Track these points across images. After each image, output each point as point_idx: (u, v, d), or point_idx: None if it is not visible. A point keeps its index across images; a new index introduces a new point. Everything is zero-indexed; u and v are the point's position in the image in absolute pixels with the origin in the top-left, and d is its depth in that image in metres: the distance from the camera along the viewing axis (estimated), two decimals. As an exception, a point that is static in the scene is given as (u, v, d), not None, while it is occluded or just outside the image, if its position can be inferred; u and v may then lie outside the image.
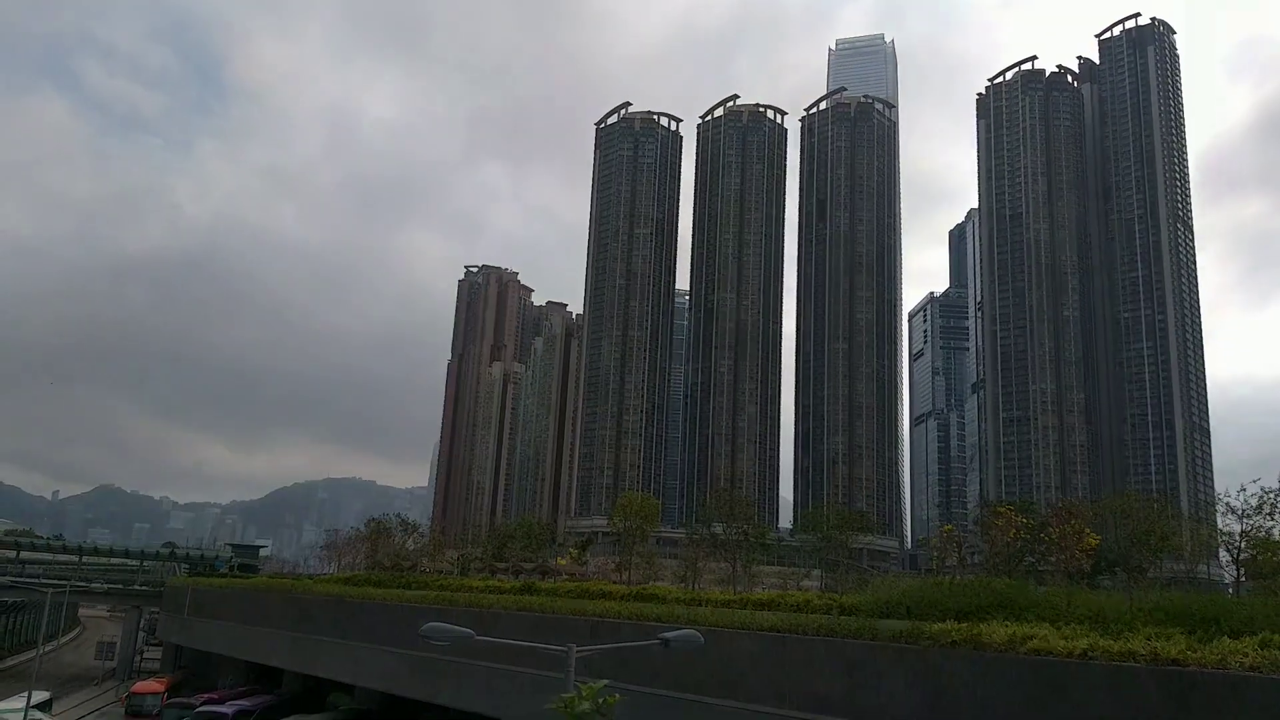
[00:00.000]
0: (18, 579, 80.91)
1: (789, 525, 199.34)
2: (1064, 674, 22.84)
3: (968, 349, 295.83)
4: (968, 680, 24.66)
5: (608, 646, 21.62)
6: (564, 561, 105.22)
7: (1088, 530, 55.63)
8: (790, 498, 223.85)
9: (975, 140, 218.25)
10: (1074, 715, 22.44)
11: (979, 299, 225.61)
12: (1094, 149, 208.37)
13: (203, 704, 56.46)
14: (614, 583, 68.37)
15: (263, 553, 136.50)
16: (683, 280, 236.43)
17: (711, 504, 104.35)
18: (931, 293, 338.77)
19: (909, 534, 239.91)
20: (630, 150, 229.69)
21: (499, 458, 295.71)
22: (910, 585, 37.48)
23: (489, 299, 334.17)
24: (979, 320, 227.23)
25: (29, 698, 44.28)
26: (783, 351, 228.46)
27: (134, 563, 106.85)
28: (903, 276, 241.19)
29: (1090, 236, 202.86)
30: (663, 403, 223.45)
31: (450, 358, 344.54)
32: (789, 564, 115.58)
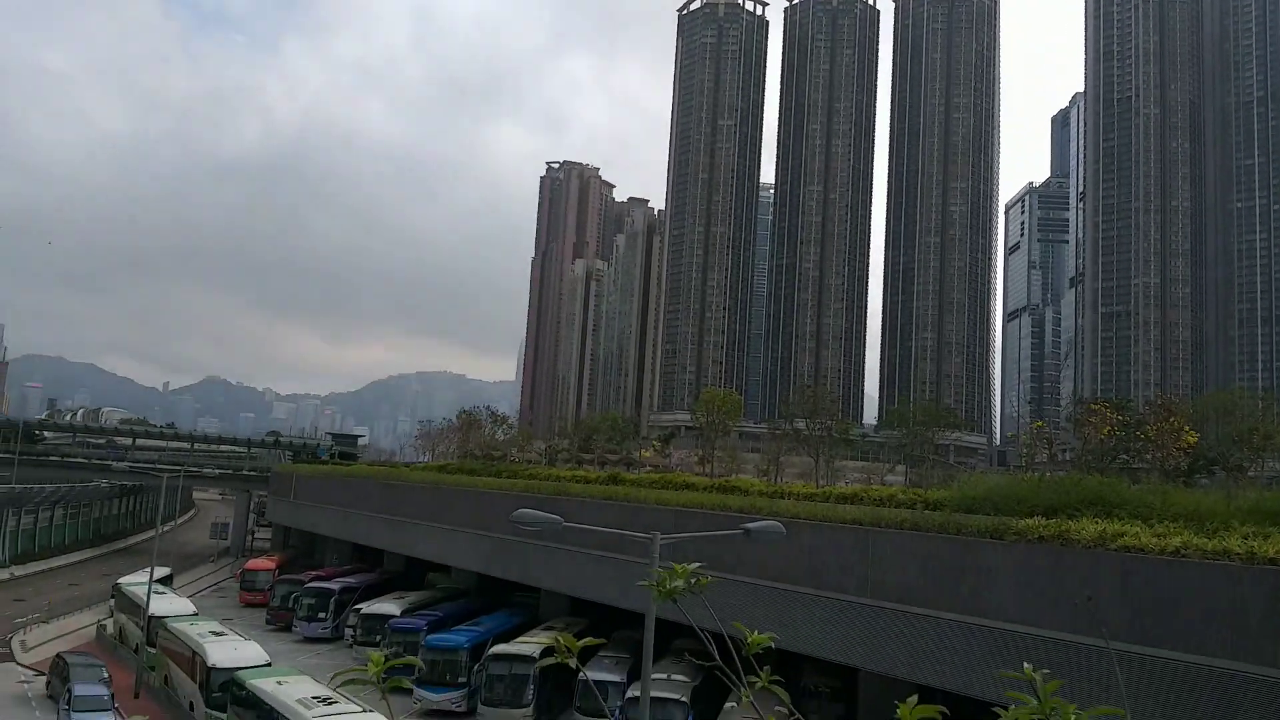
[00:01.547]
0: (136, 464, 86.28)
1: (874, 421, 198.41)
2: (1154, 570, 22.49)
3: (1067, 241, 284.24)
4: (1053, 576, 24.51)
5: (691, 535, 22.04)
6: (648, 454, 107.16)
7: (1187, 428, 54.06)
8: (875, 394, 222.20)
9: (1083, 19, 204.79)
10: (1163, 610, 22.18)
11: (1081, 189, 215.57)
12: (1213, 26, 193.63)
13: (311, 580, 59.99)
14: (697, 475, 69.46)
15: (360, 442, 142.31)
16: (768, 173, 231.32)
17: (794, 400, 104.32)
18: (1030, 183, 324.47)
19: (998, 431, 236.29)
20: (713, 37, 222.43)
21: (583, 353, 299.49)
22: (997, 481, 37.12)
23: (570, 195, 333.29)
24: (1080, 211, 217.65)
25: (151, 573, 47.59)
26: (871, 246, 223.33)
27: (241, 450, 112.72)
28: (1000, 167, 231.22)
29: (1204, 122, 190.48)
30: (746, 299, 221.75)
31: (534, 255, 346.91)
32: (873, 459, 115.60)
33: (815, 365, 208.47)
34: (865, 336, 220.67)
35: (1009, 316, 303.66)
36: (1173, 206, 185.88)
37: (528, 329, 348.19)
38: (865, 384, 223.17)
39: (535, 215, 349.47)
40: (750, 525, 18.79)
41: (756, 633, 2.79)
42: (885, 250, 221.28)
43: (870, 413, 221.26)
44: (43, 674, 44.22)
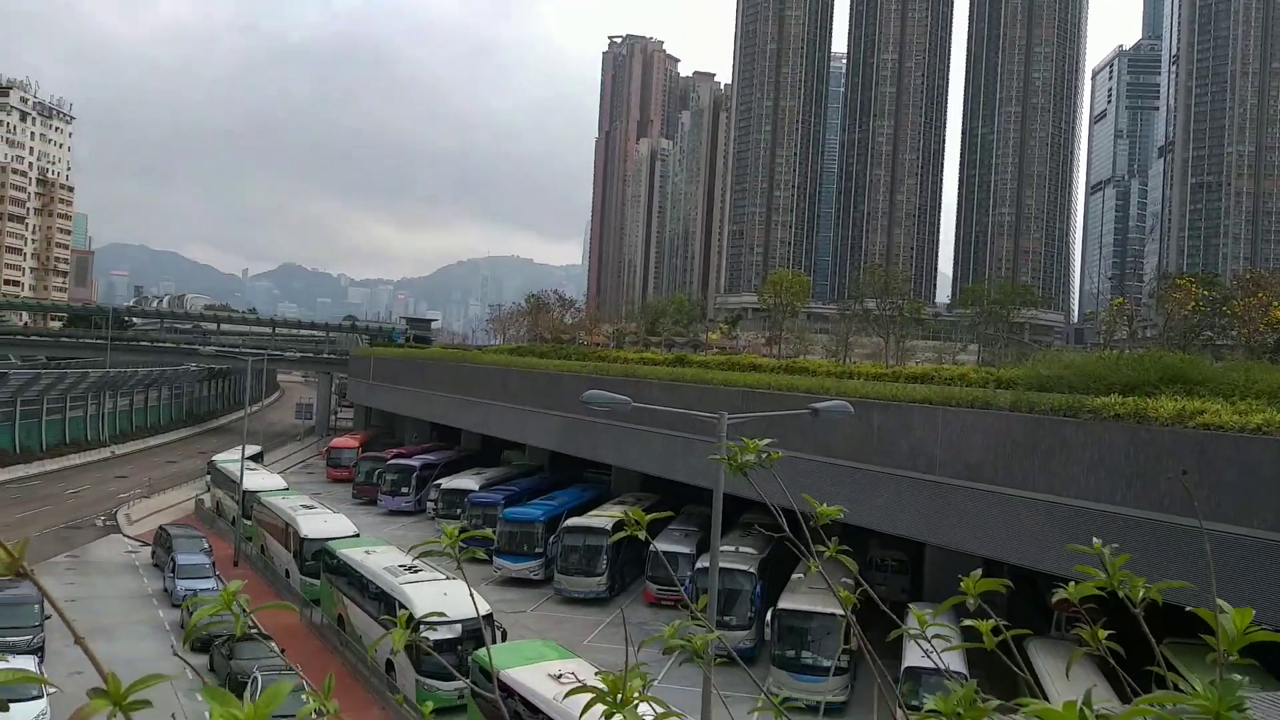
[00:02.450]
0: (222, 349, 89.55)
1: (946, 301, 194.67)
2: (1233, 448, 22.04)
3: (1157, 108, 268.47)
4: (1129, 453, 24.22)
5: (758, 415, 22.23)
6: (714, 336, 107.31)
7: (1275, 303, 51.88)
8: (949, 272, 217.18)
9: None
10: (1242, 488, 21.85)
11: (1174, 51, 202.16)
12: None
13: (393, 458, 62.44)
14: (764, 357, 69.47)
15: (433, 326, 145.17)
16: (839, 42, 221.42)
17: (865, 279, 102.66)
18: (1120, 46, 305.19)
19: (1076, 308, 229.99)
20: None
21: (648, 236, 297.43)
22: (1074, 359, 36.40)
23: (633, 72, 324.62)
24: (1172, 75, 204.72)
25: (243, 450, 49.97)
26: (947, 117, 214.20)
27: (320, 334, 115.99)
28: (1088, 28, 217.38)
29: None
30: (816, 176, 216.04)
31: (598, 135, 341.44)
32: (945, 339, 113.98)
33: (887, 244, 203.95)
34: (940, 213, 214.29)
35: (1092, 189, 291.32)
36: (1271, 69, 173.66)
37: (593, 212, 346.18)
38: (939, 262, 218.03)
39: (598, 94, 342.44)
40: (818, 405, 18.86)
41: (825, 505, 2.82)
42: (963, 121, 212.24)
43: (943, 292, 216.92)
44: (147, 545, 47.31)
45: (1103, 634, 2.66)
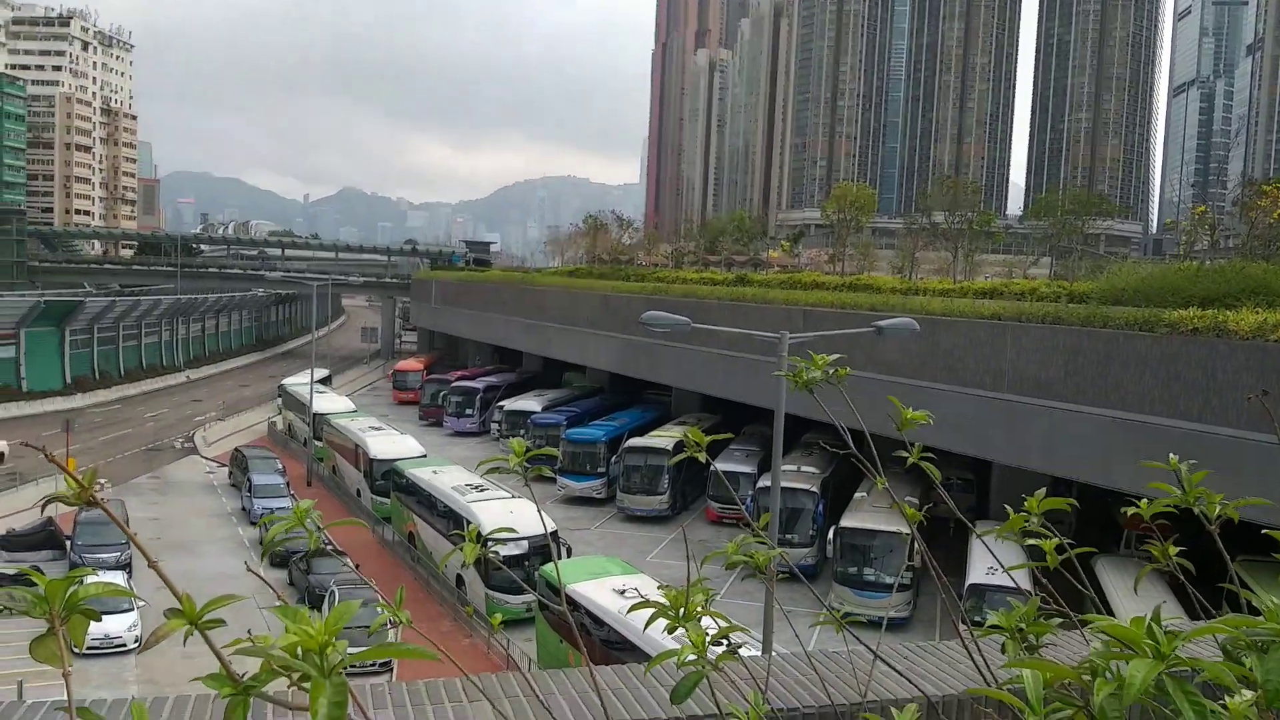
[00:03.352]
0: (287, 274, 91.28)
1: (1019, 212, 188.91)
2: (1319, 363, 21.25)
3: (1245, 3, 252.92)
4: (1206, 369, 23.50)
5: (820, 334, 21.99)
6: (776, 254, 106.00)
7: (1371, 210, 49.24)
8: (1022, 183, 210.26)
9: None
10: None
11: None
12: None
13: (457, 380, 63.56)
14: (827, 274, 68.51)
15: (492, 249, 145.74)
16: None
17: (933, 191, 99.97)
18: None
19: (1155, 218, 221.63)
20: None
21: (707, 151, 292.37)
22: (1150, 271, 35.22)
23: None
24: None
25: (312, 374, 51.27)
26: (1021, 18, 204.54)
27: (382, 258, 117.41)
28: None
29: None
30: (882, 85, 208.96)
31: (654, 47, 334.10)
32: (1016, 253, 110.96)
33: (956, 154, 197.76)
34: (1012, 121, 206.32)
35: (1174, 91, 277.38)
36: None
37: (650, 128, 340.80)
38: (1010, 173, 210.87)
39: (655, 1, 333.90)
40: (882, 323, 18.58)
41: (911, 410, 2.76)
42: (1038, 22, 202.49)
43: (1015, 204, 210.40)
44: (224, 465, 49.20)
45: (1174, 550, 2.61)
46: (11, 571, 29.61)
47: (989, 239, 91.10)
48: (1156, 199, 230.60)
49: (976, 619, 21.12)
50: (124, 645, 25.64)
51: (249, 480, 41.47)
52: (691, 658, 2.24)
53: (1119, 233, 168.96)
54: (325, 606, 27.26)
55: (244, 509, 41.04)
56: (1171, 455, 2.48)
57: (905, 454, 2.73)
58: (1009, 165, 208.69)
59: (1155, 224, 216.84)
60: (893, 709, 2.32)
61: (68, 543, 33.31)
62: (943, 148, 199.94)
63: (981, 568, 24.48)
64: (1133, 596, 21.87)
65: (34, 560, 32.79)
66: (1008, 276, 66.66)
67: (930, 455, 2.65)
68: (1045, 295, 32.79)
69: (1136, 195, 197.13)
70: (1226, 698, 1.53)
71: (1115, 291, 29.36)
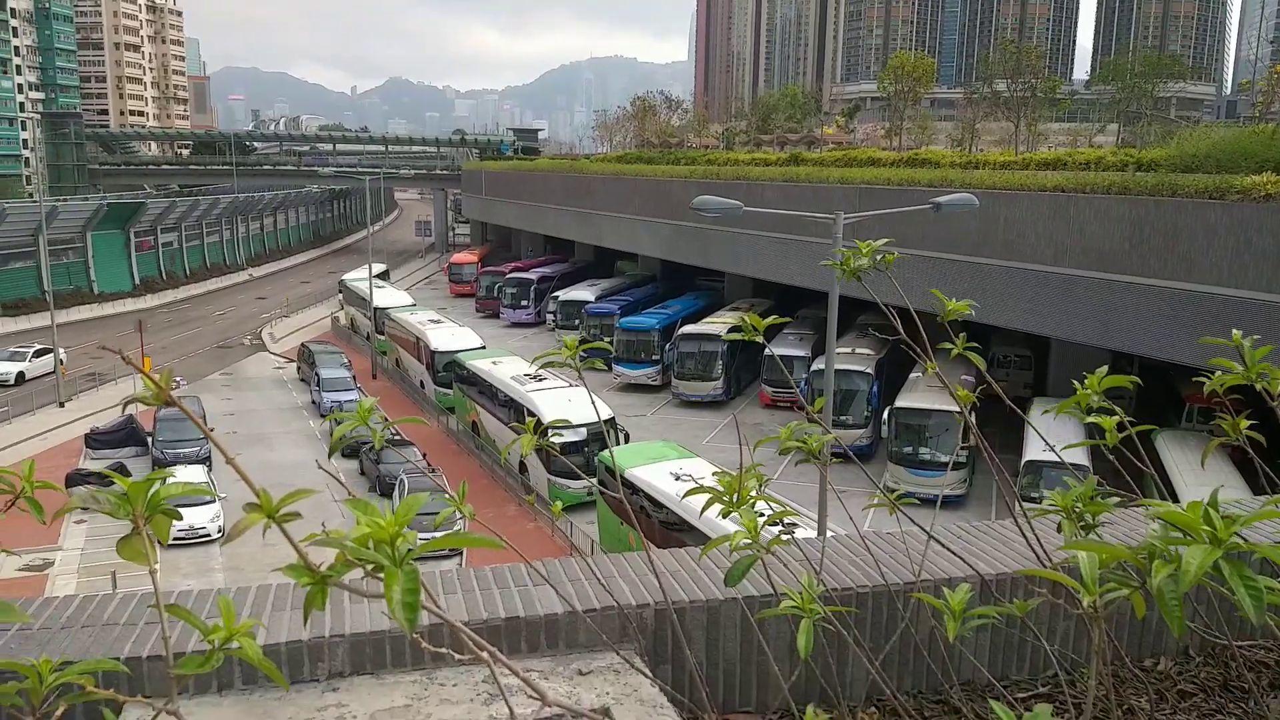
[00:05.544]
0: (340, 169, 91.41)
1: (1085, 77, 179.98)
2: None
3: None
4: (1278, 236, 22.60)
5: (876, 213, 21.51)
6: (830, 130, 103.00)
7: None
8: (1089, 45, 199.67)
9: None
10: None
11: None
12: None
13: (511, 272, 63.89)
14: (883, 149, 66.53)
15: (540, 136, 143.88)
16: None
17: (995, 58, 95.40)
18: None
19: (1230, 79, 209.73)
20: None
21: (758, 24, 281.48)
22: (1223, 135, 33.58)
23: None
24: None
25: (370, 269, 51.87)
26: None
27: (431, 149, 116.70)
28: None
29: None
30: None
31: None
32: (1082, 120, 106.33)
33: (1020, 16, 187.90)
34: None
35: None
36: None
37: (697, 1, 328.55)
38: (1077, 34, 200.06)
39: None
40: (940, 199, 18.11)
41: (965, 290, 2.73)
42: None
43: (1081, 68, 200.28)
44: (292, 361, 50.54)
45: (1244, 424, 2.57)
46: (98, 468, 31.19)
47: (1053, 107, 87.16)
48: (1232, 58, 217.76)
49: (1034, 495, 21.17)
50: (208, 535, 27.04)
51: (317, 375, 42.62)
52: (744, 543, 2.29)
53: (1191, 95, 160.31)
54: (395, 495, 28.34)
55: (313, 402, 42.35)
56: (1235, 331, 2.42)
57: (955, 339, 2.70)
58: (1075, 26, 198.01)
59: (1230, 85, 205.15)
60: (945, 588, 2.37)
61: (149, 439, 34.80)
62: (1005, 10, 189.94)
63: (1039, 443, 24.38)
64: (1195, 471, 21.67)
65: (119, 456, 34.41)
66: (1073, 146, 64.07)
67: (976, 337, 2.62)
68: (1111, 165, 31.51)
69: (1210, 55, 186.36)
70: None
71: (1185, 158, 28.11)
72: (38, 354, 48.40)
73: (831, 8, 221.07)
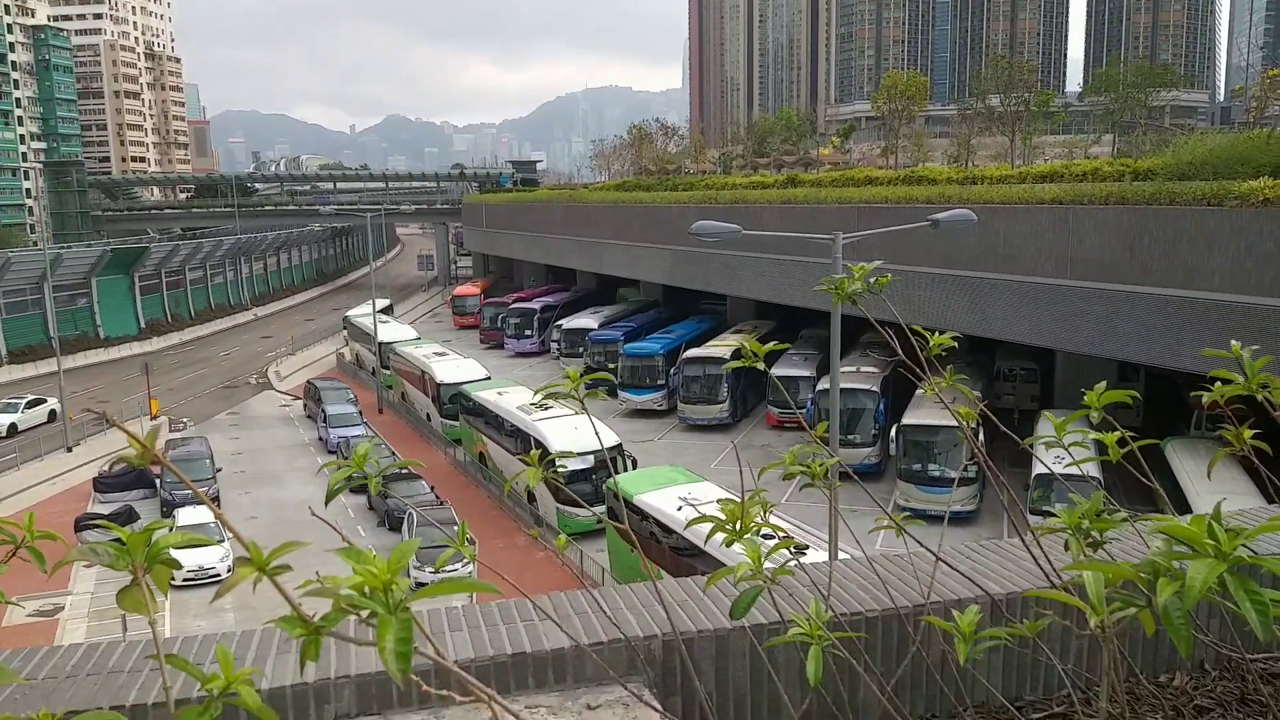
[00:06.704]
0: (341, 207, 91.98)
1: (1078, 89, 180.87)
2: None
3: None
4: (1279, 240, 22.60)
5: (874, 232, 21.56)
6: (826, 151, 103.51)
7: None
8: (1080, 57, 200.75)
9: None
10: None
11: None
12: None
13: (514, 302, 64.08)
14: (880, 169, 66.83)
15: (539, 167, 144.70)
16: None
17: (987, 72, 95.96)
18: None
19: (1222, 85, 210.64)
20: None
21: (750, 49, 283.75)
22: (1219, 142, 33.70)
23: None
24: None
25: (374, 304, 52.05)
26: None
27: (431, 184, 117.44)
28: None
29: None
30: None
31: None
32: (1076, 132, 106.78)
33: (1010, 31, 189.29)
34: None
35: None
36: None
37: (690, 29, 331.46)
38: (1068, 47, 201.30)
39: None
40: (938, 216, 18.16)
41: (938, 334, 2.73)
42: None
43: (1074, 80, 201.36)
44: (298, 398, 50.60)
45: (1248, 434, 2.55)
46: (107, 511, 31.15)
47: (1048, 119, 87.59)
48: (1223, 65, 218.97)
49: (1045, 509, 21.05)
50: (218, 575, 26.97)
51: (323, 411, 42.65)
52: (748, 573, 2.27)
53: (1185, 103, 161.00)
54: (404, 529, 28.22)
55: (320, 439, 42.33)
56: (1234, 342, 2.41)
57: (956, 357, 2.70)
58: (1066, 39, 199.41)
59: (1223, 91, 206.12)
60: (955, 610, 2.34)
61: (158, 481, 34.81)
62: (996, 25, 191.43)
63: (1048, 457, 24.27)
64: (1205, 479, 21.55)
65: (127, 499, 34.39)
66: (1068, 158, 64.33)
67: (982, 351, 2.61)
68: (1108, 175, 31.64)
69: (1202, 62, 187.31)
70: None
71: (1181, 166, 28.21)
72: (30, 405, 48.10)
73: (823, 30, 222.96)
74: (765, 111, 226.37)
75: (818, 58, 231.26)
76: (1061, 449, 2.68)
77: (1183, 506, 20.39)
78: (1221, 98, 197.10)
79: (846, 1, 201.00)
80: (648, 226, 52.24)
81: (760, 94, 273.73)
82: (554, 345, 56.73)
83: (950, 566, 3.32)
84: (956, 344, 2.68)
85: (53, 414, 47.93)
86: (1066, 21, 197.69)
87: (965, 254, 30.50)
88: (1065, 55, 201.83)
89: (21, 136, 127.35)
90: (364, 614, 1.36)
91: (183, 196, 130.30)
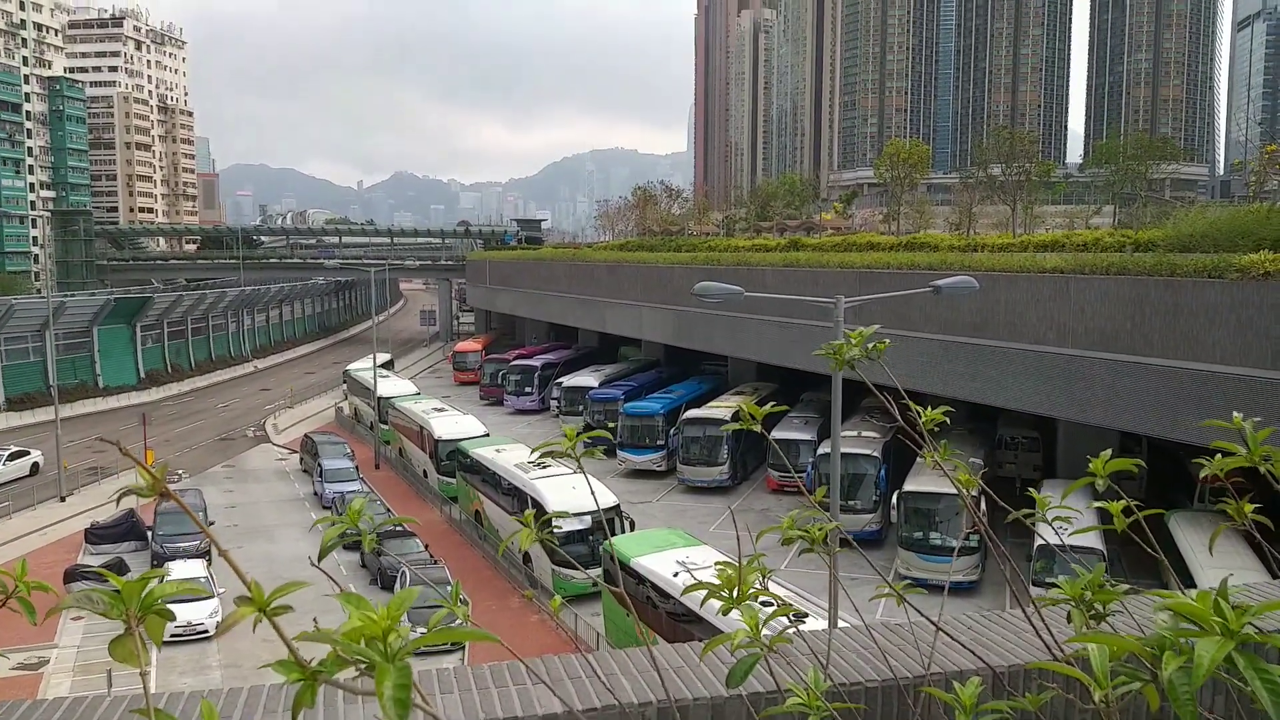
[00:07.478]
0: (345, 261, 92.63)
1: (1078, 160, 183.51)
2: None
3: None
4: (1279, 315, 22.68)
5: (875, 296, 21.70)
6: (828, 216, 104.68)
7: None
8: (1080, 130, 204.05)
9: None
10: None
11: None
12: None
13: (515, 359, 64.18)
14: (882, 234, 67.48)
15: (543, 225, 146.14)
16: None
17: (988, 143, 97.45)
18: None
19: (1221, 159, 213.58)
20: None
21: (755, 115, 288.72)
22: (1219, 215, 34.06)
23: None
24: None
25: (374, 359, 52.11)
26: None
27: (436, 240, 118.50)
28: None
29: None
30: (932, 35, 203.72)
31: (696, 10, 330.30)
32: (1077, 202, 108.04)
33: (1011, 103, 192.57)
34: (1069, 65, 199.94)
35: (1239, 25, 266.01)
36: None
37: (695, 94, 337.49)
38: (1068, 120, 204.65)
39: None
40: (940, 282, 18.26)
41: (930, 409, 2.73)
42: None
43: (1074, 151, 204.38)
44: (295, 452, 50.38)
45: (1249, 508, 2.52)
46: (98, 563, 30.80)
47: (1049, 190, 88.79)
48: (1223, 139, 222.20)
49: (1048, 580, 20.78)
50: (206, 631, 26.53)
51: (319, 465, 42.43)
52: (745, 640, 2.23)
53: (1184, 176, 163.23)
54: (397, 587, 27.87)
55: (316, 494, 42.04)
56: (1236, 414, 2.39)
57: (968, 422, 2.69)
58: (1067, 112, 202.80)
59: (1223, 165, 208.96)
60: (956, 681, 2.30)
61: (149, 533, 34.49)
62: (997, 97, 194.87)
63: (1050, 529, 24.01)
64: (1209, 553, 21.32)
65: (118, 551, 34.06)
66: (1069, 228, 64.96)
67: (983, 418, 2.60)
68: (1109, 245, 31.93)
69: (1201, 136, 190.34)
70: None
71: (1182, 238, 28.49)
72: (11, 457, 47.66)
73: (826, 98, 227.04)
74: (768, 176, 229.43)
75: (821, 124, 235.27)
76: (1061, 524, 2.65)
77: (1187, 580, 20.17)
78: (1221, 171, 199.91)
79: (850, 71, 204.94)
80: (651, 286, 52.59)
81: (764, 158, 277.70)
82: (554, 403, 56.66)
83: (951, 637, 3.26)
84: (949, 419, 2.67)
85: (35, 467, 47.53)
86: (1067, 94, 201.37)
87: (966, 321, 30.62)
88: (1066, 127, 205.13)
89: (31, 185, 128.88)
90: (362, 665, 1.34)
91: (189, 247, 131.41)
